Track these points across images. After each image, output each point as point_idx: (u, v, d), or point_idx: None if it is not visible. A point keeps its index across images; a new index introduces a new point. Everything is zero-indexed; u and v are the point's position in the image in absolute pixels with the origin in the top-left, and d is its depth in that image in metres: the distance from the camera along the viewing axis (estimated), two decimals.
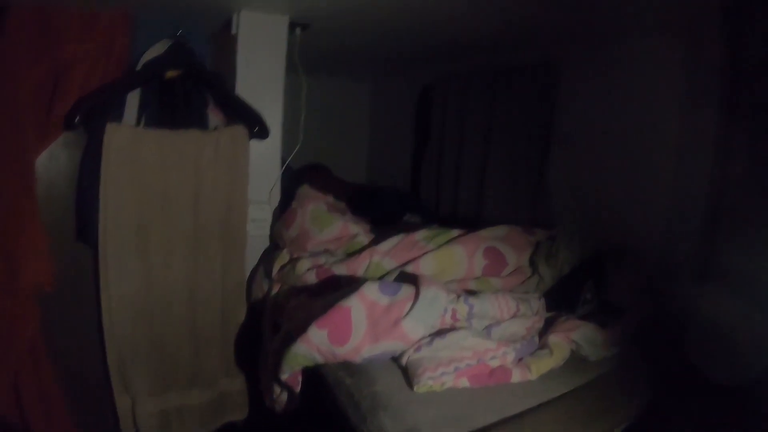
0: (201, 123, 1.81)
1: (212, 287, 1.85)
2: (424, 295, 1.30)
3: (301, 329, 1.34)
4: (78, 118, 1.59)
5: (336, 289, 1.61)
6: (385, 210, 2.51)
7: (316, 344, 1.30)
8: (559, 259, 1.63)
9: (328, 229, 1.86)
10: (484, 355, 1.24)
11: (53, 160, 1.75)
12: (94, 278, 1.75)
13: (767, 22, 1.44)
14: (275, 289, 1.81)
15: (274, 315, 1.80)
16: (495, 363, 1.24)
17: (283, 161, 2.17)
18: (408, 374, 1.23)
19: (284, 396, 1.51)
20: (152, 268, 1.76)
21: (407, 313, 1.28)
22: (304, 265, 1.72)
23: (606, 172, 2.12)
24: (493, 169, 2.47)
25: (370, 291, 1.32)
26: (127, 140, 1.64)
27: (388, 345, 1.29)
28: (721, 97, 1.59)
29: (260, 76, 1.96)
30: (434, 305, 1.31)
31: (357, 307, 1.31)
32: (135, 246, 1.72)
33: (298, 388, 1.40)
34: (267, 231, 2.02)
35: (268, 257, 1.96)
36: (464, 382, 1.20)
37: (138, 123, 1.74)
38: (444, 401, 1.15)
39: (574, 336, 1.35)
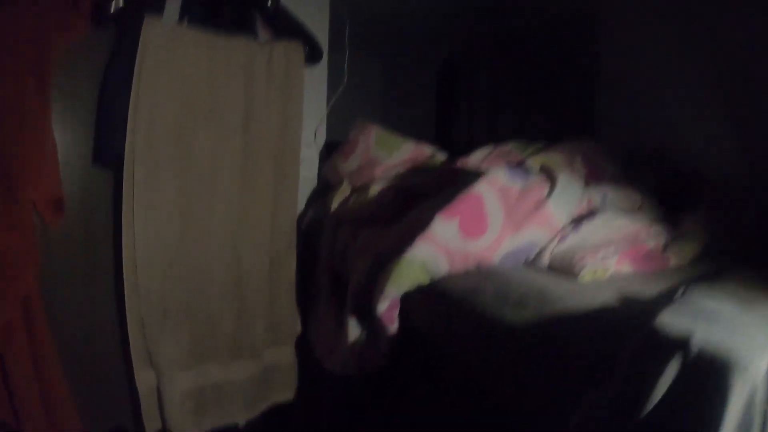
0: (250, 34, 1.56)
1: (261, 227, 1.54)
2: (561, 178, 1.16)
3: (409, 238, 1.10)
4: (113, 7, 1.31)
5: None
6: None
7: (443, 242, 1.07)
8: None
9: (398, 152, 1.62)
10: (638, 235, 1.10)
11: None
12: (113, 213, 1.41)
13: None
14: (333, 232, 1.55)
15: (333, 265, 1.53)
16: (651, 244, 1.09)
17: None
18: (560, 268, 1.03)
19: (365, 347, 1.22)
20: (192, 196, 1.43)
21: (549, 195, 1.11)
22: (378, 185, 1.48)
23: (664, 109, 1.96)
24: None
25: (499, 175, 1.14)
26: (169, 38, 1.36)
27: (532, 234, 1.10)
28: None
29: None
30: (573, 189, 1.16)
31: (488, 192, 1.11)
32: (170, 167, 1.39)
33: (393, 327, 1.12)
34: (314, 172, 1.75)
35: (320, 198, 1.69)
36: (627, 267, 1.01)
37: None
38: (615, 288, 0.89)
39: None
